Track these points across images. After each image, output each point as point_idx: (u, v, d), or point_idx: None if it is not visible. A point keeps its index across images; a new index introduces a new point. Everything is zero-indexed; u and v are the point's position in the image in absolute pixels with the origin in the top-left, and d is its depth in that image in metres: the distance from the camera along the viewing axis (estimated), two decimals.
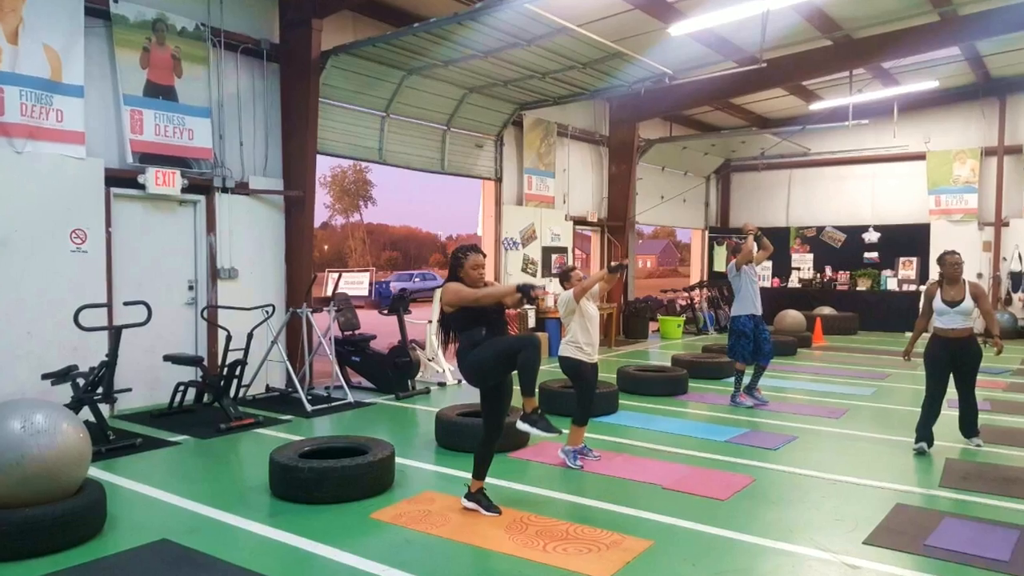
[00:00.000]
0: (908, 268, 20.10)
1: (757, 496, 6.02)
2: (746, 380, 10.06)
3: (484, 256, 5.56)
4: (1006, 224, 18.80)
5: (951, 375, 7.54)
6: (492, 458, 5.73)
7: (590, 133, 17.54)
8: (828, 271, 21.16)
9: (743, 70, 13.41)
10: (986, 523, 5.41)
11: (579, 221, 17.37)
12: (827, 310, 19.39)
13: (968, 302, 7.43)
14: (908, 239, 19.90)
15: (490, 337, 5.35)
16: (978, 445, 7.73)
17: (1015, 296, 18.50)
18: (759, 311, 9.72)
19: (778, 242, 18.56)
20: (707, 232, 23.29)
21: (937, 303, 7.53)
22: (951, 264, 7.50)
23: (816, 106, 18.73)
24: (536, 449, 7.46)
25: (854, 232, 20.79)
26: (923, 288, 7.43)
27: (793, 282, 21.68)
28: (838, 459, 7.28)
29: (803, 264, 21.70)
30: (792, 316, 17.39)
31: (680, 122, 20.33)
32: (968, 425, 7.81)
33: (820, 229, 21.50)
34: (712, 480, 6.43)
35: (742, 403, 9.80)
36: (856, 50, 14.51)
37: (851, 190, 21.33)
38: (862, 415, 9.35)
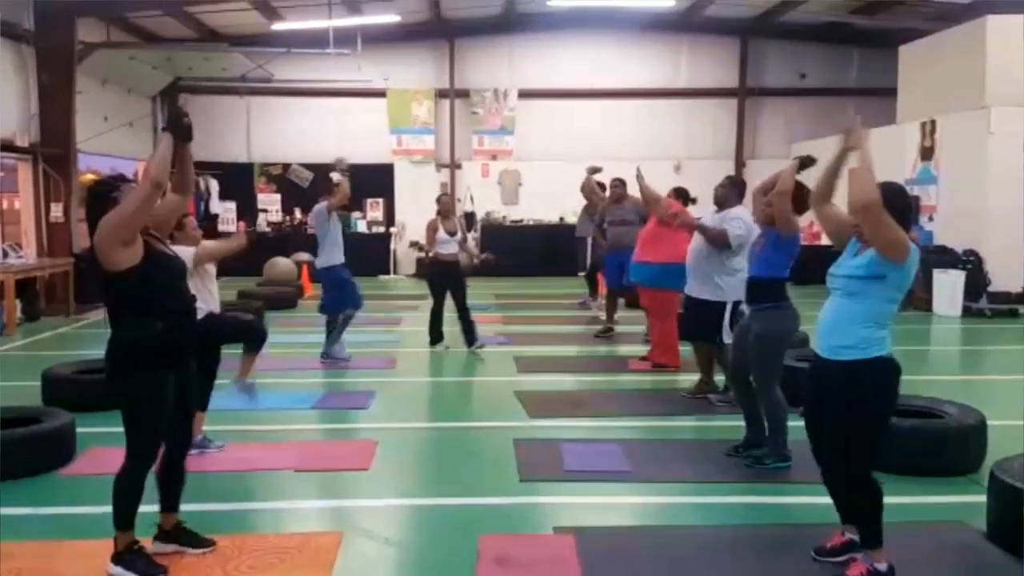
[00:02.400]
0: (376, 209, 19.39)
1: (393, 457, 5.72)
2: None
3: None
4: (459, 166, 19.56)
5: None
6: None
7: (9, 24, 13.01)
8: (298, 213, 18.93)
9: None
10: (592, 443, 5.97)
11: (4, 146, 12.86)
12: (305, 256, 15.82)
13: (460, 233, 9.41)
14: (374, 179, 18.85)
15: (171, 335, 3.73)
16: (480, 346, 9.35)
17: (469, 235, 17.41)
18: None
19: (242, 181, 19.12)
20: None
21: (440, 233, 9.20)
22: (444, 202, 9.66)
23: (279, 26, 16.20)
24: (93, 458, 5.46)
25: (321, 171, 17.49)
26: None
27: (262, 225, 19.30)
28: (431, 407, 7.35)
29: (271, 205, 19.50)
30: (282, 264, 16.23)
31: (120, 25, 16.89)
32: (469, 335, 9.35)
33: (287, 167, 19.43)
34: (338, 451, 5.87)
35: (339, 355, 8.88)
36: None
37: (316, 125, 19.33)
38: (412, 362, 9.21)
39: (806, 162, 5.16)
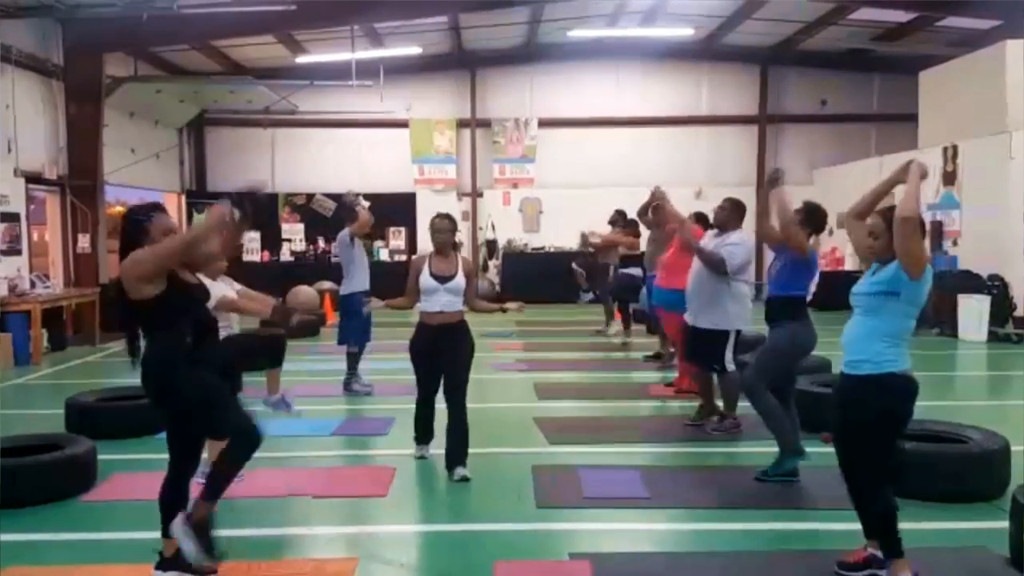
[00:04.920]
0: (398, 238, 19.77)
1: (411, 483, 5.67)
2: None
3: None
4: (480, 195, 19.82)
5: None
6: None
7: (40, 60, 13.16)
8: (321, 242, 19.47)
9: (270, 9, 12.68)
10: (611, 469, 5.93)
11: (33, 178, 12.97)
12: (328, 284, 16.19)
13: (460, 279, 5.78)
14: (397, 208, 19.17)
15: (199, 350, 3.85)
16: (462, 478, 5.67)
17: (491, 263, 19.50)
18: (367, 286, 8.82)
19: (267, 210, 19.20)
20: (184, 196, 19.40)
21: (425, 279, 5.77)
22: (437, 231, 5.84)
23: (303, 59, 16.86)
24: (114, 485, 5.59)
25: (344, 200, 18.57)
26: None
27: (285, 255, 19.65)
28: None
29: (294, 235, 19.75)
30: (305, 292, 16.50)
31: (147, 59, 17.26)
32: (454, 449, 5.77)
33: (310, 197, 19.61)
34: (356, 477, 5.86)
35: (360, 390, 8.75)
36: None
37: (340, 155, 19.73)
38: None
39: (774, 178, 5.44)
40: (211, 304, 4.38)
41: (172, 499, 3.96)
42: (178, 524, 3.80)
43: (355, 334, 8.73)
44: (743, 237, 6.59)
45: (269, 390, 5.53)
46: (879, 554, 3.84)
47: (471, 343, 5.85)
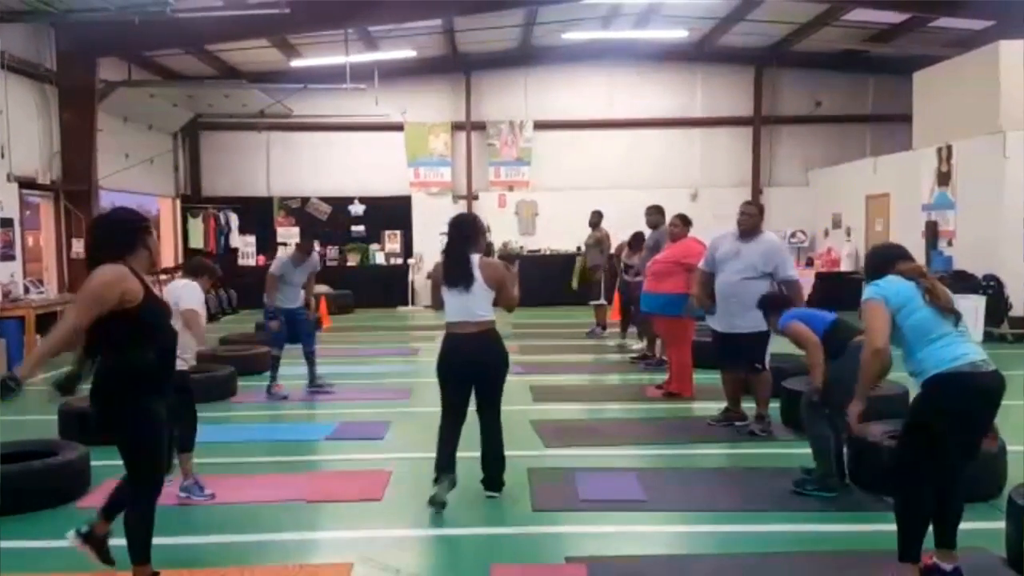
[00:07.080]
0: (394, 241, 19.63)
1: (407, 487, 5.54)
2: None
3: None
4: (476, 197, 19.66)
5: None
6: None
7: (33, 65, 13.06)
8: (316, 246, 19.12)
9: (264, 13, 12.52)
10: (607, 472, 5.94)
11: (27, 184, 12.88)
12: (323, 288, 16.22)
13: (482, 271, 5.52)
14: (392, 212, 19.58)
15: (160, 368, 3.78)
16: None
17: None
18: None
19: (261, 214, 19.44)
20: (179, 201, 19.36)
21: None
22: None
23: (297, 63, 16.79)
24: (108, 491, 4.65)
25: (339, 204, 19.53)
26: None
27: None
28: None
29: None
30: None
31: (141, 63, 17.26)
32: (492, 476, 5.38)
33: (305, 200, 19.60)
34: (351, 482, 5.78)
35: (278, 393, 8.80)
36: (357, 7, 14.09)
37: (335, 159, 19.65)
38: (425, 391, 8.12)
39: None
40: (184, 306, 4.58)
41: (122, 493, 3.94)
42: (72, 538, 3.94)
43: (277, 339, 8.86)
44: (776, 241, 6.93)
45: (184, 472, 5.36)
46: (944, 565, 3.86)
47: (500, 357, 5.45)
